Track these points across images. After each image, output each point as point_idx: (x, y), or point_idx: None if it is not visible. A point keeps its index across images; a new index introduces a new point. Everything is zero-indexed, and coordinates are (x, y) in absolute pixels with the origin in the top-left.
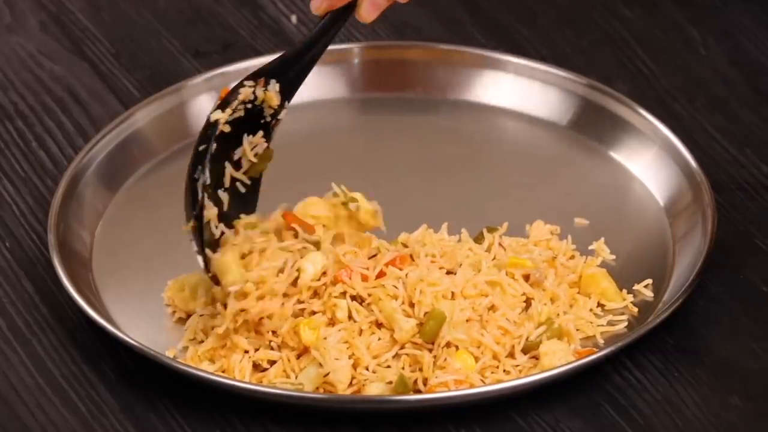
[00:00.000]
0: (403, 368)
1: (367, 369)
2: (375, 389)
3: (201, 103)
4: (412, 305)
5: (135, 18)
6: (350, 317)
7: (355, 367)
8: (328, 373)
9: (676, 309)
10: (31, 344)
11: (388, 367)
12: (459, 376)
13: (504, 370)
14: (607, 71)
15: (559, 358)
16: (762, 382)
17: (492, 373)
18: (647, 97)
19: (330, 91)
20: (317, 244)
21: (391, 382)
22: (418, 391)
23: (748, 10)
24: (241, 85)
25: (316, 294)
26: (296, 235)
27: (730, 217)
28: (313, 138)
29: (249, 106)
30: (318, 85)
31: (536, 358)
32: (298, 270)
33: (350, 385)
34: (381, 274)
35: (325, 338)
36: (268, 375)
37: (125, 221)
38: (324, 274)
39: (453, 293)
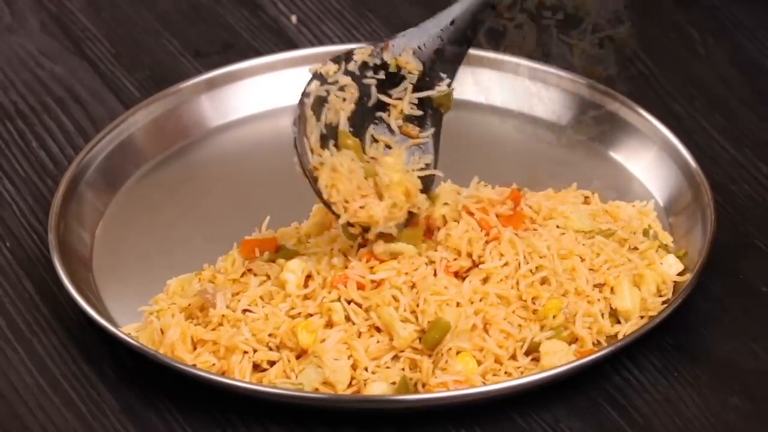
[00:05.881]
0: (402, 369)
1: (366, 370)
2: (377, 389)
3: (201, 104)
4: (414, 312)
5: (135, 18)
6: (348, 319)
7: (354, 368)
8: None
9: (675, 309)
10: (31, 344)
11: (387, 368)
12: (459, 377)
13: (506, 372)
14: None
15: (559, 358)
16: (762, 382)
17: (494, 375)
18: (647, 97)
19: None
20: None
21: (394, 383)
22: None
23: (748, 10)
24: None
25: (308, 297)
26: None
27: (730, 217)
28: None
29: (381, 72)
30: None
31: (537, 360)
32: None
33: (350, 385)
34: (379, 282)
35: (323, 340)
36: (268, 375)
37: (125, 221)
38: (309, 277)
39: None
